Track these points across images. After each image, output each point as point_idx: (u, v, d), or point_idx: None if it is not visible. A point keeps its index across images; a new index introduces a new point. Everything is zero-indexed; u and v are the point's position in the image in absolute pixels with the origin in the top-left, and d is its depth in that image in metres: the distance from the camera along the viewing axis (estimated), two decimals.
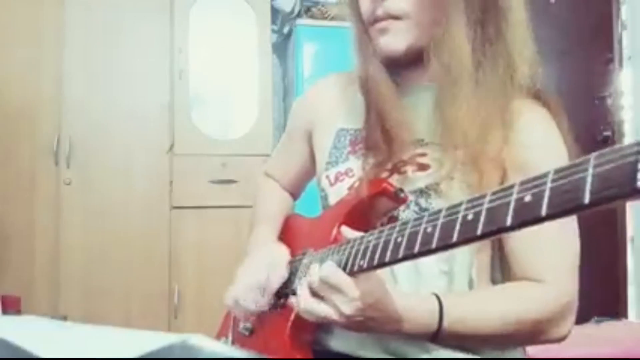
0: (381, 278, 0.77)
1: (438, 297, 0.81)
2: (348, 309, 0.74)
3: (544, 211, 0.47)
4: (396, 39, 0.89)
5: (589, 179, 0.44)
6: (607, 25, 3.22)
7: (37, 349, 0.35)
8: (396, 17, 0.88)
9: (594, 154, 0.45)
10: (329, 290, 0.74)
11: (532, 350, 0.96)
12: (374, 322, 0.77)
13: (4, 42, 2.59)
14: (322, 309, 0.76)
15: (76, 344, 0.38)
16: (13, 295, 2.41)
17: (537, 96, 0.91)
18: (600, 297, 2.48)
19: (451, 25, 0.85)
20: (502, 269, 0.91)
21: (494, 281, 0.92)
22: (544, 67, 0.92)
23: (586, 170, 0.45)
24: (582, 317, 0.86)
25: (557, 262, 0.84)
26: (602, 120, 3.14)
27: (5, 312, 2.26)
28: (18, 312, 2.36)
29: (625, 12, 3.23)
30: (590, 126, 3.02)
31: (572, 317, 0.84)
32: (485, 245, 0.90)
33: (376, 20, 0.90)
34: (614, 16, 3.22)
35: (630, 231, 3.13)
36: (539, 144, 0.86)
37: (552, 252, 0.84)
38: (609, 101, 3.19)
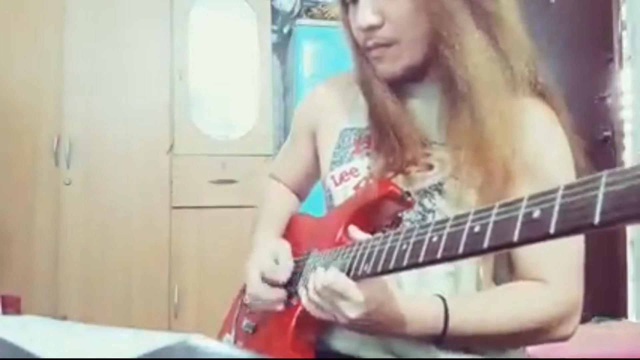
0: (385, 282, 0.77)
1: (443, 300, 0.81)
2: (352, 313, 0.74)
3: (552, 229, 0.46)
4: (391, 65, 0.90)
5: (600, 198, 0.43)
6: (607, 25, 3.22)
7: (37, 349, 0.35)
8: (387, 45, 0.89)
9: (606, 172, 0.43)
10: (333, 295, 0.75)
11: (532, 350, 0.96)
12: (378, 326, 0.77)
13: (4, 42, 2.59)
14: (325, 315, 0.77)
15: (76, 344, 0.38)
16: (13, 295, 2.40)
17: (541, 94, 0.91)
18: (600, 297, 2.48)
19: (463, 26, 0.84)
20: (509, 269, 0.91)
21: (500, 282, 0.92)
22: (543, 66, 0.92)
23: (597, 188, 0.43)
24: (582, 317, 0.86)
25: (561, 262, 0.84)
26: (602, 120, 3.14)
27: (5, 312, 2.26)
28: (18, 312, 2.36)
29: (625, 12, 3.22)
30: (590, 126, 3.02)
31: (577, 317, 0.84)
32: None
33: (368, 49, 0.91)
34: (614, 16, 3.22)
35: (630, 234, 3.12)
36: (544, 142, 0.86)
37: (556, 252, 0.84)
38: (609, 101, 3.19)
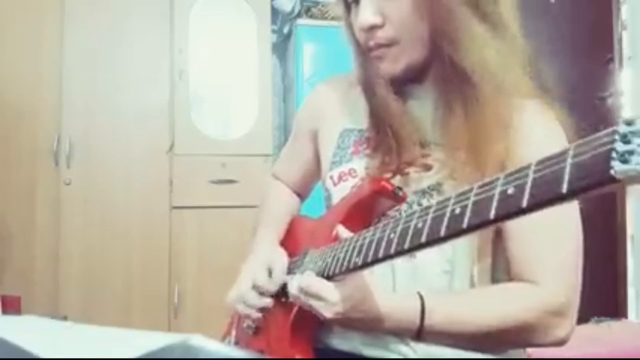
0: (364, 280, 0.78)
1: (421, 297, 0.81)
2: (328, 313, 0.77)
3: (524, 203, 0.48)
4: (392, 65, 0.91)
5: (567, 169, 0.45)
6: (607, 25, 3.22)
7: (37, 349, 0.35)
8: (388, 45, 0.90)
9: (574, 144, 0.45)
10: (309, 297, 0.78)
11: (531, 350, 0.96)
12: (357, 322, 0.79)
13: (4, 42, 2.59)
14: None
15: (76, 344, 0.38)
16: (13, 295, 2.41)
17: (541, 95, 0.91)
18: (600, 297, 2.48)
19: (466, 20, 0.85)
20: (507, 271, 0.91)
21: (498, 283, 0.91)
22: (543, 67, 0.93)
23: (565, 160, 0.45)
24: (582, 317, 0.85)
25: (551, 263, 0.84)
26: (602, 120, 3.13)
27: (5, 312, 2.26)
28: (18, 312, 2.36)
29: (625, 12, 3.22)
30: (590, 126, 3.01)
31: (569, 320, 0.83)
32: (486, 246, 0.90)
33: (370, 49, 0.92)
34: (614, 16, 3.22)
35: (630, 230, 3.12)
36: (541, 142, 0.86)
37: (546, 253, 0.84)
38: (609, 101, 3.19)
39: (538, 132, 0.87)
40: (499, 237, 0.88)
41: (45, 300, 2.53)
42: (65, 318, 2.44)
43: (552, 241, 0.84)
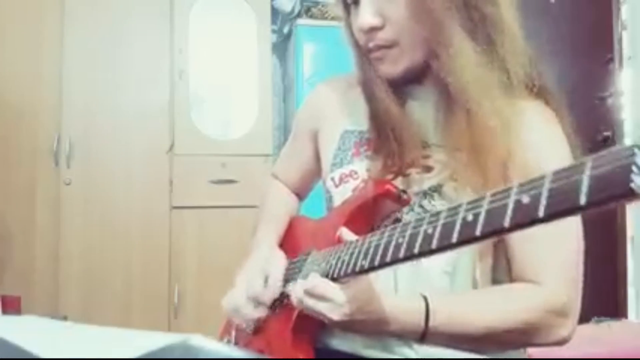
0: (369, 282, 0.77)
1: (425, 298, 0.81)
2: (335, 315, 0.76)
3: (541, 213, 0.48)
4: (392, 66, 0.91)
5: (586, 181, 0.44)
6: (607, 25, 3.22)
7: (37, 349, 0.35)
8: (388, 47, 0.90)
9: (591, 156, 0.45)
10: (314, 299, 0.77)
11: (531, 350, 0.96)
12: (361, 324, 0.78)
13: (4, 42, 2.59)
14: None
15: (76, 344, 0.38)
16: (13, 295, 2.41)
17: (541, 97, 0.91)
18: (600, 297, 2.48)
19: (452, 37, 0.85)
20: (508, 271, 0.91)
21: (498, 283, 0.91)
22: (543, 67, 0.93)
23: (583, 172, 0.45)
24: (582, 317, 0.85)
25: (553, 263, 0.84)
26: (602, 120, 3.14)
27: (5, 312, 2.26)
28: (18, 312, 2.36)
29: (625, 12, 3.22)
30: (590, 126, 3.01)
31: (571, 320, 0.83)
32: (487, 247, 0.90)
33: (370, 50, 0.92)
34: (614, 16, 3.22)
35: (630, 231, 3.12)
36: (542, 144, 0.86)
37: (548, 253, 0.84)
38: (609, 101, 3.19)
39: (539, 134, 0.87)
40: (500, 239, 0.88)
41: (45, 300, 2.53)
42: (65, 318, 2.44)
43: (554, 242, 0.84)
